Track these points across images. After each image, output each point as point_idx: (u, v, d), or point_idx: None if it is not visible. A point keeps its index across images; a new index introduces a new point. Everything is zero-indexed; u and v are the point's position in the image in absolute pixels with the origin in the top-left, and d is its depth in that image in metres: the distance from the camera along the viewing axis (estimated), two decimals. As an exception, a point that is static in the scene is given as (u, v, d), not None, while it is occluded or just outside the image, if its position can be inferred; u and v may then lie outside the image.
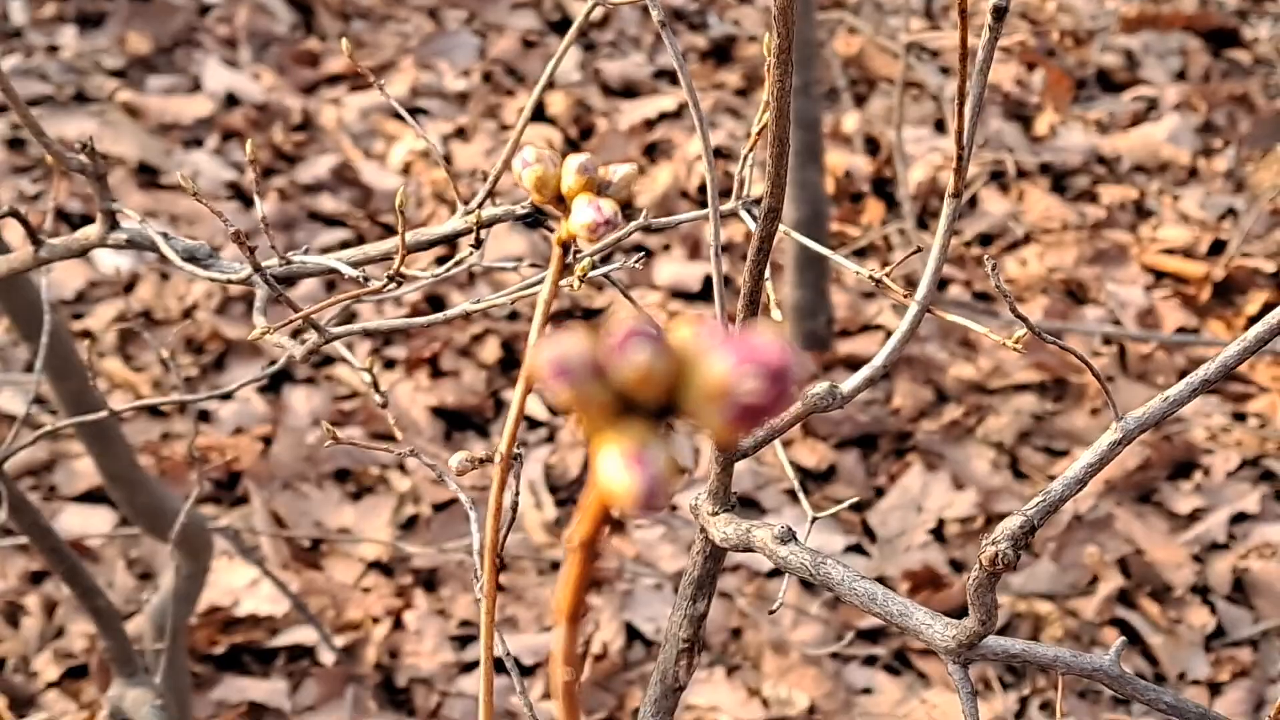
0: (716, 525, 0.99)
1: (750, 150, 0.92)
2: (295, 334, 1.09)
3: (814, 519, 1.07)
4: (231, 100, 3.16)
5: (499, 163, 0.96)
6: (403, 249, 0.90)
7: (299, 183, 2.96)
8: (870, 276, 0.97)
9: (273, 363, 1.13)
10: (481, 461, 0.81)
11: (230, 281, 1.04)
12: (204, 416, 2.43)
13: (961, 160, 0.85)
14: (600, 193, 0.57)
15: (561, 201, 0.59)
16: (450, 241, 1.03)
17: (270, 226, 0.94)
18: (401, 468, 2.41)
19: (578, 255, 0.85)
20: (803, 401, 0.95)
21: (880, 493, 2.46)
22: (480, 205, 1.00)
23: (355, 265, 1.00)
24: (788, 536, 0.97)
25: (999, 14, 0.85)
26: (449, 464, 0.85)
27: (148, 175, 2.90)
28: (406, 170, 3.05)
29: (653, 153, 3.19)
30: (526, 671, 2.11)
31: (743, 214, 0.98)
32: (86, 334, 2.46)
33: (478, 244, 0.98)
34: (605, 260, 1.02)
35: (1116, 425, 0.86)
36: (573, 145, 3.11)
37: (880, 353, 0.94)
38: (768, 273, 0.91)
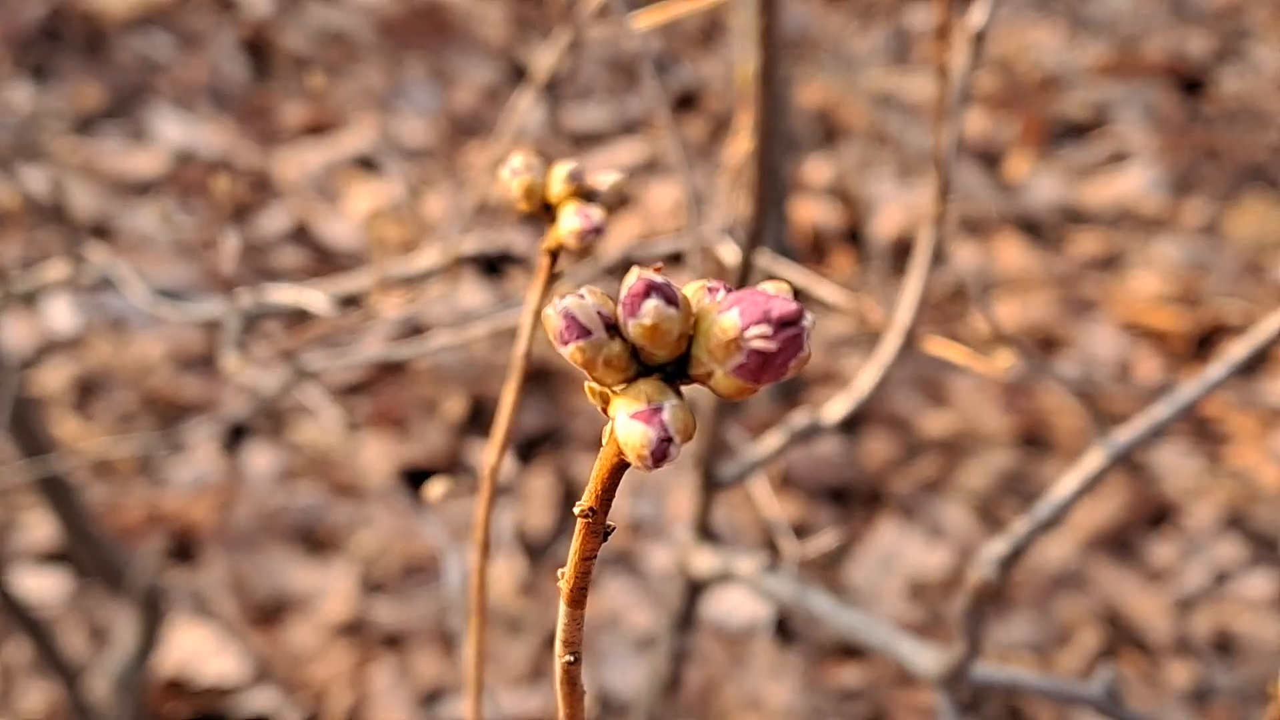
0: (697, 558, 0.94)
1: (734, 177, 0.88)
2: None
3: (829, 542, 1.03)
4: (187, 155, 3.11)
5: (472, 199, 0.92)
6: (379, 278, 0.86)
7: (256, 237, 2.91)
8: (853, 310, 0.93)
9: (234, 414, 1.09)
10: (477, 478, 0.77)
11: (201, 320, 0.99)
12: (162, 479, 2.37)
13: (944, 186, 0.80)
14: (588, 200, 0.56)
15: (549, 210, 0.59)
16: (423, 279, 0.99)
17: (230, 278, 0.90)
18: (366, 527, 2.35)
19: (560, 276, 0.83)
20: (786, 433, 0.91)
21: (854, 547, 2.42)
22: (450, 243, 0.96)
23: (332, 300, 0.96)
24: (773, 567, 0.92)
25: (978, 39, 0.82)
26: (425, 494, 0.82)
27: (102, 231, 2.84)
28: (366, 224, 3.01)
29: (620, 203, 3.15)
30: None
31: (722, 240, 0.94)
32: (42, 394, 2.41)
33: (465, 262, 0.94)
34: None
35: (1102, 446, 0.82)
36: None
37: (862, 380, 0.90)
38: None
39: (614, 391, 0.37)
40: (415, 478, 2.46)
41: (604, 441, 0.39)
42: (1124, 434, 0.80)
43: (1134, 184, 3.41)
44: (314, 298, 0.92)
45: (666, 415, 0.36)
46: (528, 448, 2.53)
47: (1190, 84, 3.86)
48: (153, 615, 1.77)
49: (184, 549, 2.30)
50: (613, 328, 0.37)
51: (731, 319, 0.35)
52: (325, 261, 2.90)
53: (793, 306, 0.35)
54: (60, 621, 2.15)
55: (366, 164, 3.21)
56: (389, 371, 2.60)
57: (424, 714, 2.11)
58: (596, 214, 0.56)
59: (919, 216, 3.14)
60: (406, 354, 0.89)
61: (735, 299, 0.36)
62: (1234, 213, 3.32)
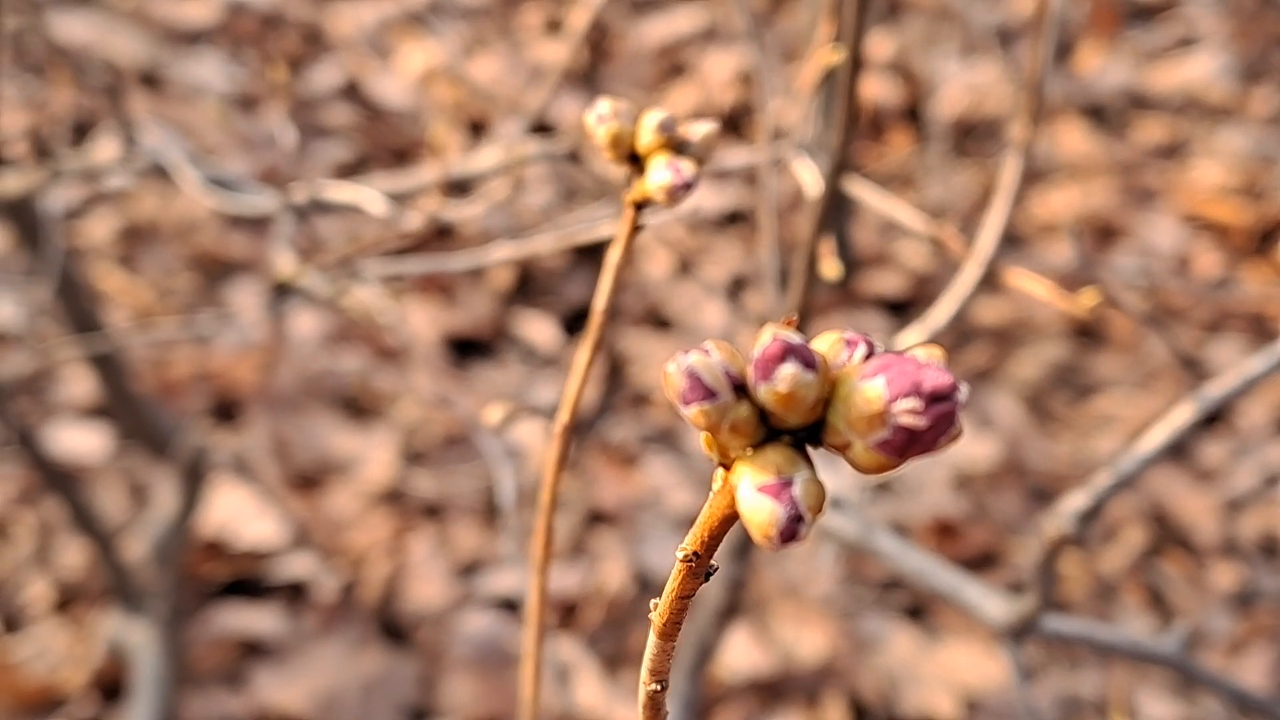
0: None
1: (807, 91, 0.84)
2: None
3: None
4: (239, 5, 3.06)
5: (539, 98, 0.88)
6: (439, 191, 0.83)
7: (307, 92, 2.87)
8: (933, 238, 0.89)
9: (279, 286, 1.06)
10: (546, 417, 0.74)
11: (256, 214, 0.96)
12: (206, 337, 2.35)
13: (1038, 92, 0.77)
14: (679, 152, 0.52)
15: (635, 160, 0.55)
16: (484, 176, 0.96)
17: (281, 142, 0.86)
18: (409, 394, 2.33)
19: (642, 229, 0.79)
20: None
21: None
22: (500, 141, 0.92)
23: (388, 198, 0.93)
24: (836, 504, 0.90)
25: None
26: (486, 417, 0.79)
27: (151, 80, 2.80)
28: (418, 85, 2.96)
29: (676, 72, 3.10)
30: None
31: (796, 166, 0.90)
32: (88, 245, 2.38)
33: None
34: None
35: (1192, 399, 0.79)
36: (591, 65, 3.02)
37: (939, 312, 0.86)
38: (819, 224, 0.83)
39: (739, 457, 0.33)
40: (460, 346, 2.44)
41: (714, 488, 0.36)
42: (1215, 388, 0.77)
43: (1202, 70, 3.33)
44: (370, 197, 0.88)
45: (798, 490, 0.32)
46: (574, 320, 2.50)
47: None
48: (194, 482, 1.76)
49: (226, 409, 2.28)
50: (740, 388, 0.33)
51: (877, 389, 0.32)
52: (376, 120, 2.85)
53: (947, 379, 0.31)
54: (101, 479, 2.14)
55: (420, 20, 3.15)
56: (437, 237, 2.56)
57: (461, 585, 2.10)
58: (688, 168, 0.52)
59: (981, 96, 3.07)
60: (463, 265, 0.86)
61: (881, 365, 0.32)
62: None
